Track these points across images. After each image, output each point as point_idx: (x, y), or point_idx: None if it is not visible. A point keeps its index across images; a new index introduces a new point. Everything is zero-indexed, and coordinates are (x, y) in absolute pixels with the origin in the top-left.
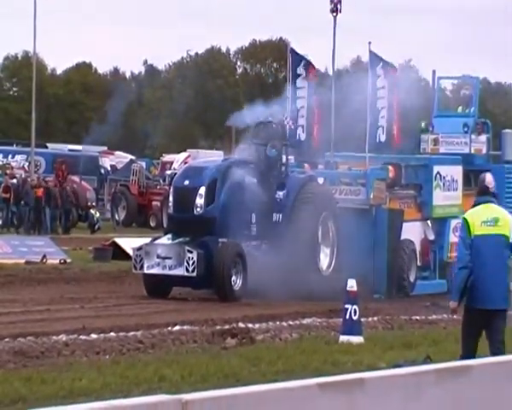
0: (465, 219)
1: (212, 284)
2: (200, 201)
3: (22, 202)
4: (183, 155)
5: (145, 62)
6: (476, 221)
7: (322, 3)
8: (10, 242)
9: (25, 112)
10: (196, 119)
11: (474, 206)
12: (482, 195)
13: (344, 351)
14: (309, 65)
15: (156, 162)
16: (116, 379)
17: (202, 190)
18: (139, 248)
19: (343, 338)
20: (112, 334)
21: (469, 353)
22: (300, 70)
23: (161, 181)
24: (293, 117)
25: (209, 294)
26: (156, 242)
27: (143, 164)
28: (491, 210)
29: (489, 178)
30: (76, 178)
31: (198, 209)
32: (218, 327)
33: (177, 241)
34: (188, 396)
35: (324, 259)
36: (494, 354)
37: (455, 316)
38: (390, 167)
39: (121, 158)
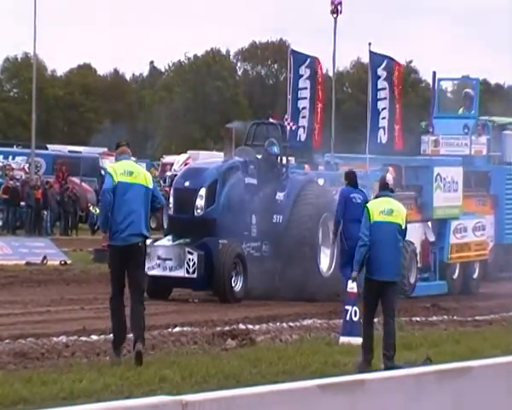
0: (367, 208)
1: (213, 286)
2: (200, 202)
3: (23, 204)
4: (183, 157)
5: (151, 63)
6: (375, 210)
7: (322, 5)
8: (11, 243)
9: (25, 113)
10: (196, 120)
11: (376, 198)
12: (382, 190)
13: (344, 352)
14: (315, 63)
15: (156, 164)
16: (116, 380)
17: (203, 192)
18: None
19: (343, 339)
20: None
21: (370, 313)
22: (303, 70)
23: (162, 182)
24: (294, 118)
25: (209, 295)
26: (156, 243)
27: (144, 165)
28: (388, 203)
29: (389, 177)
30: (76, 180)
31: (198, 211)
32: (219, 328)
33: (177, 242)
34: (188, 397)
35: (325, 260)
36: (386, 320)
37: (353, 284)
38: (390, 169)
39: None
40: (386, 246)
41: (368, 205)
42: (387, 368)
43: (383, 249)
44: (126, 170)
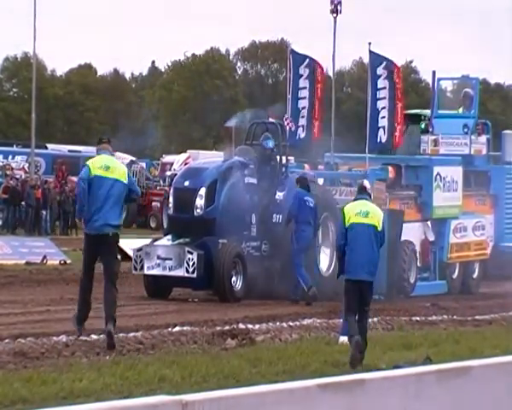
0: (343, 211)
1: (212, 285)
2: (200, 202)
3: (23, 203)
4: (183, 156)
5: (153, 63)
6: (351, 213)
7: (322, 4)
8: (10, 242)
9: (25, 112)
10: (196, 120)
11: (354, 200)
12: (360, 193)
13: (344, 352)
14: (314, 64)
15: (156, 163)
16: (116, 380)
17: (202, 191)
18: (139, 249)
19: (343, 339)
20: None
21: (351, 310)
22: (302, 70)
23: (161, 182)
24: (294, 117)
25: (209, 295)
26: (156, 243)
27: (143, 165)
28: (365, 205)
29: (366, 182)
30: (76, 179)
31: (198, 210)
32: (218, 328)
33: (177, 242)
34: (188, 397)
35: (324, 260)
36: (360, 317)
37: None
38: (390, 168)
39: (121, 159)
40: (362, 247)
41: (344, 208)
42: (352, 364)
43: (358, 250)
44: (104, 164)
